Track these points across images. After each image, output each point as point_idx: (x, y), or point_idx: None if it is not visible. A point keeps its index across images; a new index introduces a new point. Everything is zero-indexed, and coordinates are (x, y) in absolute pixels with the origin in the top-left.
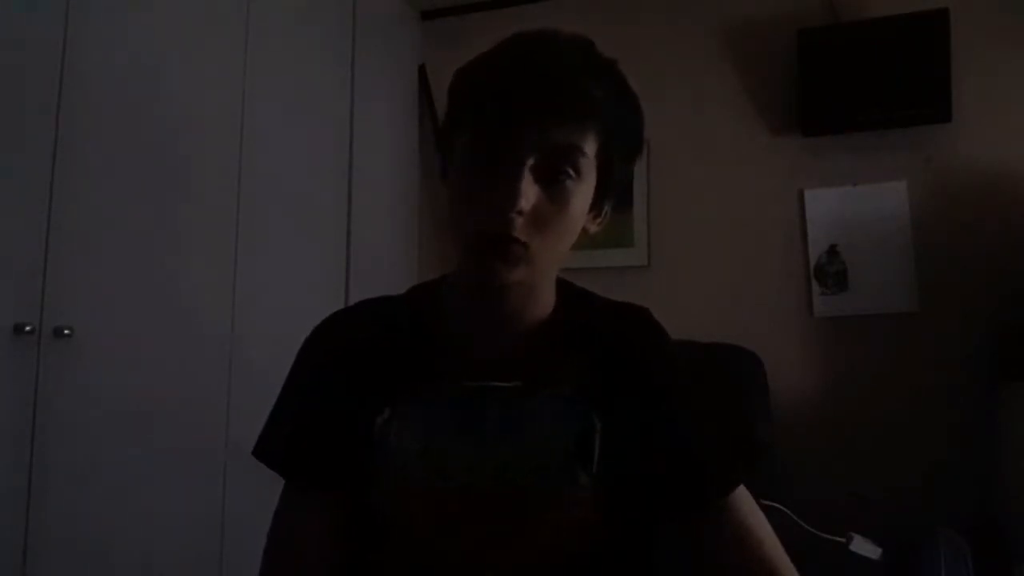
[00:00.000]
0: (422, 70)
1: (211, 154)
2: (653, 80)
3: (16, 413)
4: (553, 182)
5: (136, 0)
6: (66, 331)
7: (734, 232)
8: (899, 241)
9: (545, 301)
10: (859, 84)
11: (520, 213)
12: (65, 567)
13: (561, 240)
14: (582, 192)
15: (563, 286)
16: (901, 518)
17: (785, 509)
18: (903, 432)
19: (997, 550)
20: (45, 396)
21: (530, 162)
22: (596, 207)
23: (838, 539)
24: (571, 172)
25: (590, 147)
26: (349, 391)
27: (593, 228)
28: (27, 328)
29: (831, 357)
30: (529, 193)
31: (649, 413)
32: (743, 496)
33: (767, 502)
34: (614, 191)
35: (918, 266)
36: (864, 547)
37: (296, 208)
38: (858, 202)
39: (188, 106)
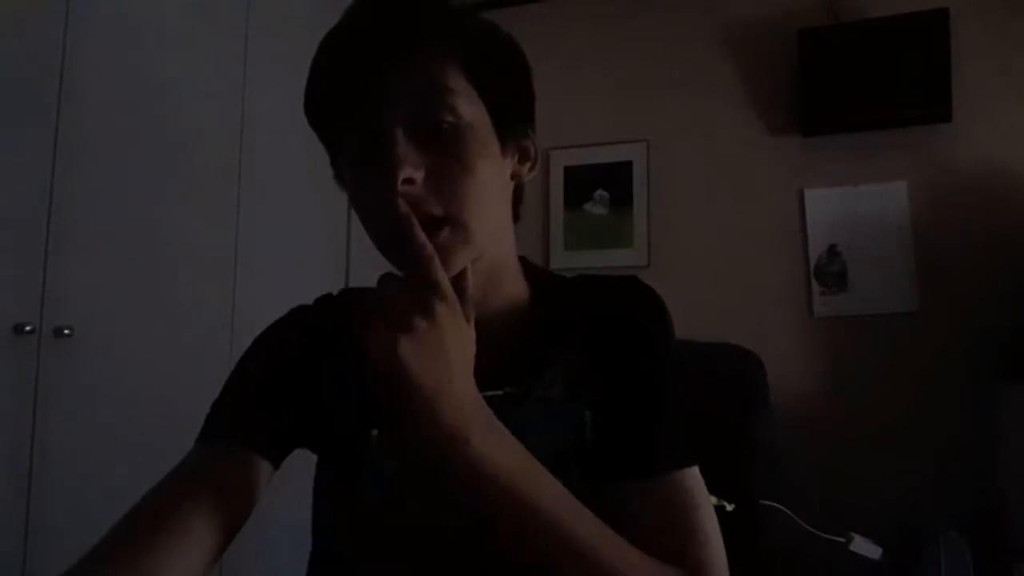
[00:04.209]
0: None
1: (211, 154)
2: (653, 80)
3: (16, 413)
4: (436, 135)
5: (136, 0)
6: (66, 331)
7: (734, 232)
8: (899, 241)
9: (511, 289)
10: (859, 84)
11: (410, 182)
12: (66, 566)
13: (484, 198)
14: (475, 134)
15: (529, 270)
16: (901, 518)
17: (785, 509)
18: (903, 432)
19: (997, 550)
20: (45, 396)
21: (399, 130)
22: (505, 144)
23: (838, 539)
24: (449, 116)
25: (456, 79)
26: (320, 385)
27: (526, 173)
28: (27, 328)
29: (831, 357)
30: (410, 158)
31: (632, 389)
32: (695, 477)
33: (767, 502)
34: (516, 117)
35: (918, 266)
36: (864, 547)
37: (296, 208)
38: (858, 202)
39: (188, 106)
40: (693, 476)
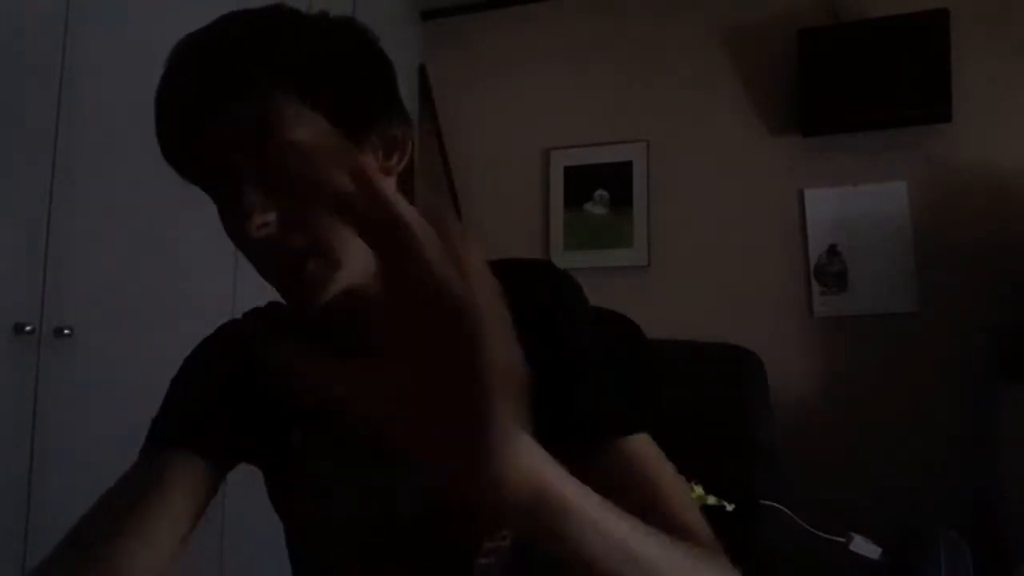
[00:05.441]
0: (422, 70)
1: None
2: (653, 80)
3: (16, 413)
4: (280, 166)
5: (137, 0)
6: (66, 331)
7: (734, 232)
8: (899, 241)
9: None
10: (859, 84)
11: (264, 226)
12: None
13: None
14: (319, 152)
15: None
16: (901, 518)
17: (785, 509)
18: (903, 432)
19: (997, 550)
20: (45, 396)
21: (243, 174)
22: (362, 147)
23: (838, 539)
24: (286, 144)
25: (286, 105)
26: (250, 397)
27: (395, 166)
28: (27, 328)
29: (831, 357)
30: (258, 202)
31: (556, 366)
32: (646, 443)
33: (767, 502)
34: (368, 116)
35: (918, 266)
36: (864, 547)
37: None
38: (858, 202)
39: None
40: (641, 441)
